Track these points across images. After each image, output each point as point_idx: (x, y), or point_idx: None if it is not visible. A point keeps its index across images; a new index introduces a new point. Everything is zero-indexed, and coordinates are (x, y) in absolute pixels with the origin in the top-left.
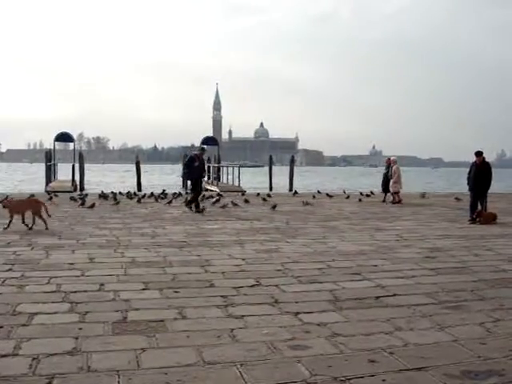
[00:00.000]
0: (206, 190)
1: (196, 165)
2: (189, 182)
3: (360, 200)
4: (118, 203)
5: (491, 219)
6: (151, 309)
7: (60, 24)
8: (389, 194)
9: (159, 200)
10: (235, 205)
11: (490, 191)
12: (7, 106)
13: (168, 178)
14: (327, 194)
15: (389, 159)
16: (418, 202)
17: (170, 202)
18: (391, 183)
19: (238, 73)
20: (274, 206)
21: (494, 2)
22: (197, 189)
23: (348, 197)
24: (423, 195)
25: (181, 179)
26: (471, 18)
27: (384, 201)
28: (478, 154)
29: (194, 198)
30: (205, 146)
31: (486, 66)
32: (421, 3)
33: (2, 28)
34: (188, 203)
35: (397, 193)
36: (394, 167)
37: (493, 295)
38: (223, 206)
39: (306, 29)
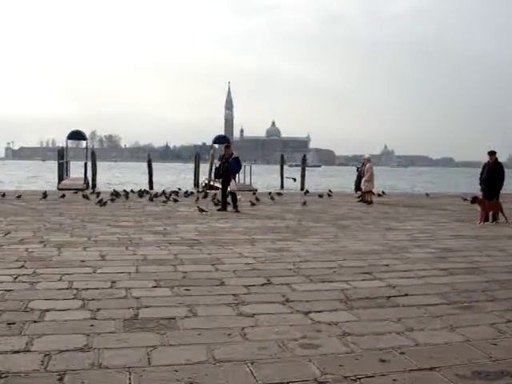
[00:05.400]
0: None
1: (221, 163)
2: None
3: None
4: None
5: (495, 208)
6: (162, 306)
7: (73, 23)
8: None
9: (171, 198)
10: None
11: (502, 191)
12: (21, 105)
13: (175, 177)
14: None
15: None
16: (427, 202)
17: (180, 200)
18: (363, 182)
19: (249, 72)
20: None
21: None
22: (223, 188)
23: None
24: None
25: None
26: (479, 14)
27: (361, 200)
28: (491, 153)
29: (221, 196)
30: (214, 145)
31: (497, 63)
32: (428, 2)
33: (15, 29)
34: (233, 204)
35: (368, 192)
36: (367, 166)
37: (505, 296)
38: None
39: (317, 28)
